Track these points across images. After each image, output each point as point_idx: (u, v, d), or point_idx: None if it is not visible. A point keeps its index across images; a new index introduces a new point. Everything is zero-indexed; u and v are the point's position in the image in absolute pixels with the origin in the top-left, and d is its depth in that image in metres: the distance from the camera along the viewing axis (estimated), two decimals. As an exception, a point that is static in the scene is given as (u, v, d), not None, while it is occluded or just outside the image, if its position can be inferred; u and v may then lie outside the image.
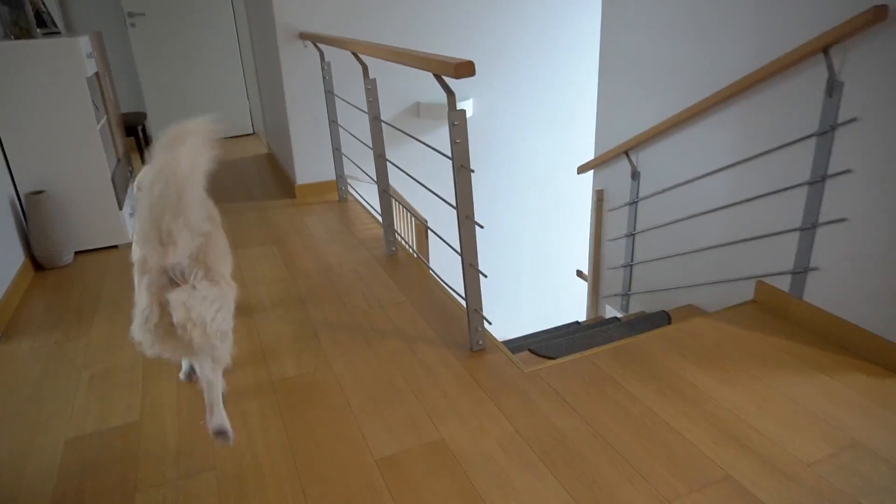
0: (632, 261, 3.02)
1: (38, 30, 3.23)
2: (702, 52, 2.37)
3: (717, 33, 2.29)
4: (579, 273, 3.75)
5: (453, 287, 2.36)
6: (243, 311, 2.37)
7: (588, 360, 2.00)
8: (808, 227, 2.05)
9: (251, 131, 5.65)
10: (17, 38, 2.79)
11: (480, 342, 2.05)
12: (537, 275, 4.62)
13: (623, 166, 2.96)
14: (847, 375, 1.86)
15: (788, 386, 1.82)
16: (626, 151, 2.83)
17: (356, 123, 3.67)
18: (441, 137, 3.95)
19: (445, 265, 4.31)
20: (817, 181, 1.99)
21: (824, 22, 1.90)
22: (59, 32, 3.33)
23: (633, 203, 2.91)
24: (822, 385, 1.82)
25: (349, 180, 3.76)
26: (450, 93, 1.72)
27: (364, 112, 2.88)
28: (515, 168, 4.27)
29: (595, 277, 3.34)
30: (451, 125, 1.74)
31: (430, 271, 2.63)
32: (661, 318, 2.53)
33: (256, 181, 4.12)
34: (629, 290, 3.09)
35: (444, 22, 3.66)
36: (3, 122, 2.70)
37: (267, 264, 2.81)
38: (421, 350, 2.07)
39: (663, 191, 2.70)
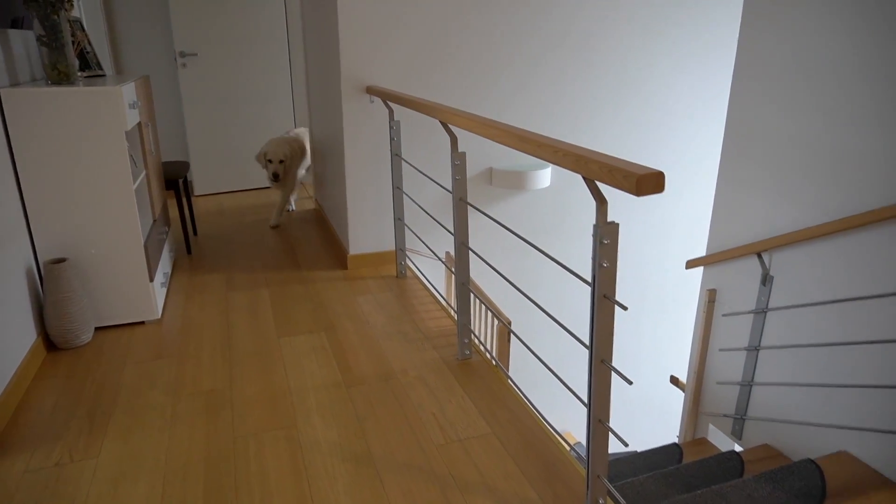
0: (752, 379, 2.49)
1: (79, 73, 2.91)
2: None
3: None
4: (674, 380, 3.22)
5: (539, 410, 1.87)
6: (287, 434, 1.91)
7: (749, 556, 1.47)
8: None
9: (297, 181, 5.29)
10: (54, 83, 2.44)
11: (601, 517, 1.54)
12: (622, 371, 4.05)
13: (747, 266, 2.46)
14: None
15: None
16: (758, 252, 2.33)
17: (416, 188, 3.25)
18: (515, 207, 3.50)
19: (525, 374, 3.74)
20: None
21: None
22: (103, 75, 3.00)
23: (762, 311, 2.40)
24: None
25: (408, 253, 3.32)
26: (602, 201, 1.26)
27: (439, 184, 2.46)
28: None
29: (696, 390, 2.80)
30: (600, 243, 1.28)
31: (515, 389, 2.14)
32: (812, 475, 1.99)
33: (304, 244, 3.71)
34: (745, 414, 2.55)
35: (537, 89, 3.25)
36: (29, 178, 2.34)
37: (315, 361, 2.35)
38: (520, 520, 1.57)
39: (818, 303, 2.18)
